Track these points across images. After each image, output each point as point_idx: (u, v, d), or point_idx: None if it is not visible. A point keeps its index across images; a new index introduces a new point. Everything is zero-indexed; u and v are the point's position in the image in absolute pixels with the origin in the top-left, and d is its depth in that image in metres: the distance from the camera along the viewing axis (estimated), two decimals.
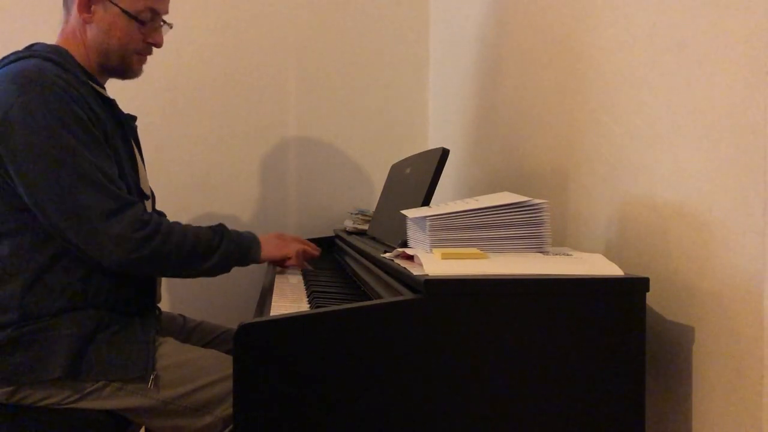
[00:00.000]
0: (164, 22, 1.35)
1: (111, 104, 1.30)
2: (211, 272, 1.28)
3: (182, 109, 2.14)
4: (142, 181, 1.34)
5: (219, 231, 1.29)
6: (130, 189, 1.25)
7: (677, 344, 0.91)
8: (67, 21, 1.29)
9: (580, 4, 1.17)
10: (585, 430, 0.82)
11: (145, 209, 1.19)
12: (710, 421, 0.85)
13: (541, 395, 0.82)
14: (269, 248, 1.39)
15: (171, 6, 1.37)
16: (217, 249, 1.26)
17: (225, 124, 2.16)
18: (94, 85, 1.26)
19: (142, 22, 1.28)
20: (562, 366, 0.82)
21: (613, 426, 0.83)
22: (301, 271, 1.53)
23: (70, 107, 1.13)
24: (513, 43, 1.50)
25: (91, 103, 1.19)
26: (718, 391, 0.83)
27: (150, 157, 2.04)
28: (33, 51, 1.21)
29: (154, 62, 2.04)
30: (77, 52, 1.27)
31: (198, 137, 2.15)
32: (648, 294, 0.84)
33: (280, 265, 1.50)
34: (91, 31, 1.26)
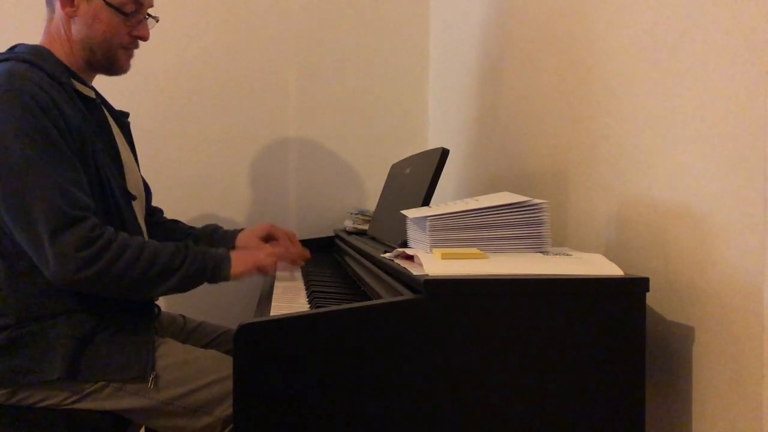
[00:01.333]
0: (150, 15, 1.33)
1: (93, 104, 1.27)
2: (176, 291, 1.20)
3: (182, 109, 2.14)
4: (129, 181, 1.31)
5: (182, 250, 1.21)
6: (114, 192, 1.22)
7: (677, 344, 0.91)
8: (50, 18, 1.27)
9: (580, 5, 1.17)
10: (585, 430, 0.82)
11: (98, 225, 1.12)
12: (710, 421, 0.85)
13: (541, 395, 0.82)
14: (237, 264, 1.26)
15: (172, 5, 1.36)
16: (178, 270, 1.18)
17: (225, 124, 2.16)
18: (77, 84, 1.24)
19: (125, 14, 1.26)
20: (562, 366, 0.82)
21: (613, 426, 0.83)
22: (302, 271, 1.53)
23: (35, 116, 1.10)
24: (513, 43, 1.50)
25: (65, 106, 1.16)
26: (718, 391, 0.83)
27: (149, 157, 2.04)
28: (12, 53, 1.20)
29: (154, 62, 2.06)
30: (61, 50, 1.25)
31: (198, 137, 2.15)
32: (648, 294, 0.84)
33: (264, 274, 1.36)
34: (75, 26, 1.25)
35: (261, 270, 1.31)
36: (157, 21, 1.35)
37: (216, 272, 1.24)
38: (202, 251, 1.24)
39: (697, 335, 0.87)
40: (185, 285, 1.21)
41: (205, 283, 1.25)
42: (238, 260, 1.27)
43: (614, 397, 0.83)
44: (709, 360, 0.85)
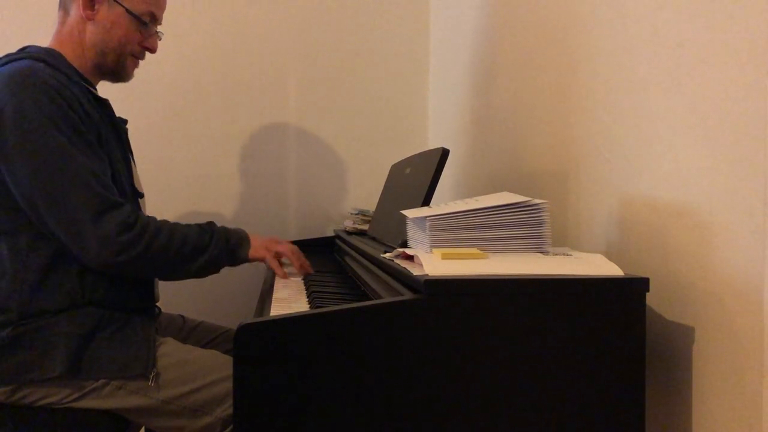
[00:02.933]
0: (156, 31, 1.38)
1: (105, 105, 1.30)
2: (201, 273, 1.27)
3: (182, 109, 2.14)
4: (135, 181, 1.34)
5: (208, 229, 1.29)
6: (125, 188, 1.25)
7: (677, 344, 0.91)
8: (63, 21, 1.30)
9: (580, 4, 1.17)
10: (585, 430, 0.82)
11: (133, 210, 1.19)
12: (710, 421, 0.85)
13: (541, 395, 0.82)
14: (257, 245, 1.37)
15: (172, 5, 1.39)
16: (207, 248, 1.26)
17: (225, 124, 2.16)
18: (87, 86, 1.26)
19: (144, 24, 1.31)
20: (562, 366, 0.82)
21: (613, 426, 0.83)
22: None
23: (62, 108, 1.13)
24: (513, 42, 1.50)
25: (85, 104, 1.19)
26: (718, 391, 0.83)
27: (149, 157, 2.05)
28: (26, 53, 1.21)
29: (155, 62, 2.05)
30: (72, 53, 1.28)
31: (198, 137, 2.15)
32: (648, 294, 0.84)
33: (271, 264, 1.44)
34: (91, 30, 1.28)
35: (276, 253, 1.40)
36: (161, 38, 1.40)
37: (238, 250, 1.33)
38: (224, 229, 1.32)
39: (697, 335, 0.87)
40: (213, 263, 1.28)
41: (214, 273, 1.31)
42: (256, 242, 1.37)
43: (614, 397, 0.83)
44: (709, 360, 0.85)
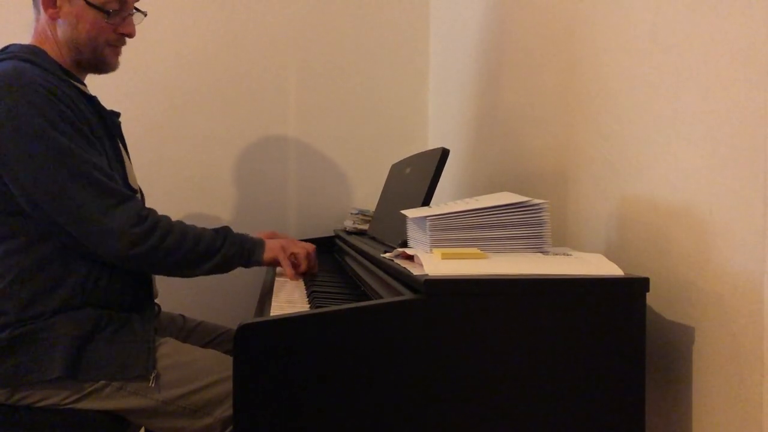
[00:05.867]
0: (137, 9, 1.33)
1: (93, 101, 1.29)
2: (212, 272, 1.27)
3: (182, 109, 2.14)
4: (129, 177, 1.33)
5: (222, 233, 1.29)
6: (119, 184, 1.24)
7: (677, 344, 0.91)
8: (37, 20, 1.28)
9: (580, 4, 1.17)
10: (585, 430, 0.82)
11: (143, 205, 1.19)
12: (710, 422, 0.85)
13: (541, 395, 0.82)
14: (272, 246, 1.36)
15: (171, 5, 1.36)
16: (219, 251, 1.26)
17: (225, 124, 2.16)
18: (75, 83, 1.25)
19: (108, 13, 1.25)
20: (562, 366, 0.82)
21: (613, 426, 0.83)
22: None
23: (56, 106, 1.12)
24: (513, 42, 1.50)
25: (76, 100, 1.19)
26: (718, 391, 0.83)
27: (149, 157, 2.05)
28: (8, 53, 1.20)
29: (153, 61, 2.06)
30: (51, 50, 1.26)
31: (198, 137, 2.15)
32: (648, 294, 0.84)
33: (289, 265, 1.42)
34: (60, 27, 1.25)
35: (291, 254, 1.40)
36: (145, 15, 1.35)
37: (252, 255, 1.33)
38: (240, 235, 1.33)
39: (697, 335, 0.87)
40: (224, 265, 1.28)
41: (227, 272, 1.32)
42: (272, 245, 1.37)
43: (614, 397, 0.83)
44: (709, 360, 0.85)
